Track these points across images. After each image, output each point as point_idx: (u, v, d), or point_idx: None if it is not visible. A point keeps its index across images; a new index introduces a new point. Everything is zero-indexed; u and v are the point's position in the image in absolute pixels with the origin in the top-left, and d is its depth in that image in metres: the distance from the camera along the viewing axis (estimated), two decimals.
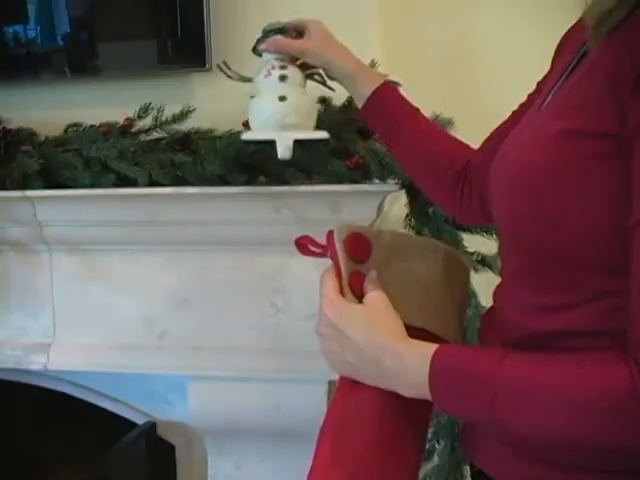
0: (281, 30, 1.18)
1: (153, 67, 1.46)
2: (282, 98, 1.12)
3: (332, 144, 1.29)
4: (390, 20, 1.48)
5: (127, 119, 1.39)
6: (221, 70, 1.22)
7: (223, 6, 1.41)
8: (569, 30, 0.85)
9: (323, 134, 1.17)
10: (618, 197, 0.61)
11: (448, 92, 1.51)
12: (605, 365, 0.60)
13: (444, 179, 1.01)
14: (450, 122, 1.49)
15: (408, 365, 0.70)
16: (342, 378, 0.79)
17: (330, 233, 0.80)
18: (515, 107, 0.93)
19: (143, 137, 1.39)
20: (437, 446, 1.40)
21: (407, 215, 1.37)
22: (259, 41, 1.19)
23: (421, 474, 1.43)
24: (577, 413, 0.61)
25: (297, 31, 1.17)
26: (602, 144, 0.62)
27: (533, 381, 0.63)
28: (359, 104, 1.08)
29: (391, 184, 1.31)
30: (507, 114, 0.94)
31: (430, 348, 0.69)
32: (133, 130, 1.40)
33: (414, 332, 0.75)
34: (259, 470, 1.52)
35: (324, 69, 1.13)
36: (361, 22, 1.40)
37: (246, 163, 1.29)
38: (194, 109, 1.38)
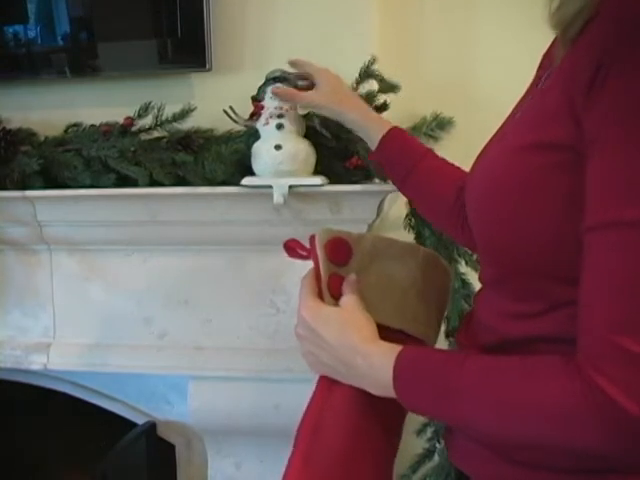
0: (281, 78, 1.24)
1: (153, 67, 1.46)
2: (278, 147, 1.23)
3: (332, 144, 1.30)
4: (390, 18, 1.48)
5: (127, 118, 1.39)
6: (227, 115, 1.29)
7: (223, 6, 1.42)
8: (551, 44, 0.84)
9: (317, 180, 1.26)
10: (579, 209, 0.61)
11: (448, 91, 1.51)
12: (554, 373, 0.61)
13: (451, 213, 1.01)
14: (450, 121, 1.49)
15: (375, 365, 0.72)
16: (321, 377, 0.81)
17: (313, 237, 0.84)
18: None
19: (143, 136, 1.40)
20: (437, 445, 1.40)
21: (407, 215, 1.37)
22: (261, 89, 1.27)
23: (421, 474, 1.43)
24: (528, 419, 0.62)
25: (303, 79, 1.22)
26: (563, 156, 0.62)
27: (489, 386, 0.64)
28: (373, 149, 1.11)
29: (391, 184, 1.31)
30: (508, 113, 0.94)
31: (396, 349, 0.72)
32: (133, 129, 1.40)
33: (393, 334, 0.78)
34: (259, 470, 1.52)
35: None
36: (361, 20, 1.40)
37: (248, 165, 1.29)
38: (195, 108, 1.39)
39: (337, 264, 0.82)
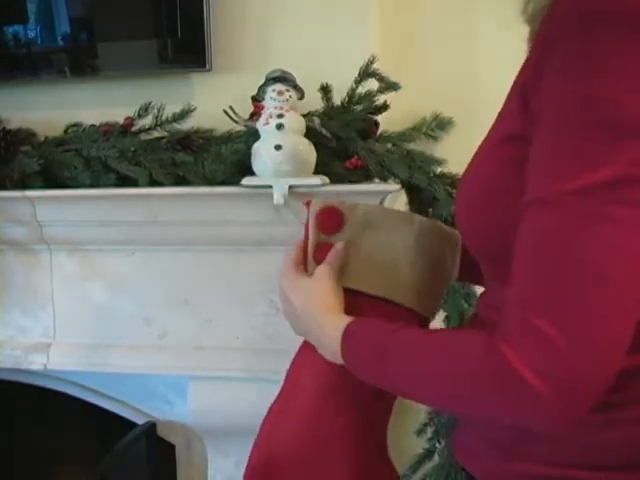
0: (281, 78, 1.24)
1: (153, 67, 1.46)
2: (278, 147, 1.23)
3: (332, 144, 1.30)
4: (390, 18, 1.48)
5: (127, 118, 1.39)
6: (227, 115, 1.30)
7: (223, 6, 1.42)
8: None
9: (317, 180, 1.25)
10: None
11: (448, 91, 1.51)
12: (473, 343, 0.63)
13: None
14: (450, 121, 1.49)
15: (329, 335, 0.77)
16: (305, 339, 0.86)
17: (309, 203, 0.87)
18: None
19: (143, 136, 1.40)
20: (437, 445, 1.40)
21: None
22: (261, 89, 1.27)
23: (421, 474, 1.43)
24: (439, 384, 0.65)
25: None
26: (523, 147, 0.62)
27: (415, 354, 0.68)
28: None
29: (391, 184, 1.31)
30: None
31: (347, 321, 0.76)
32: (133, 129, 1.40)
33: (375, 301, 0.82)
34: None
35: None
36: (361, 20, 1.40)
37: (248, 165, 1.29)
38: (194, 108, 1.39)
39: (328, 233, 0.84)
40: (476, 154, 0.74)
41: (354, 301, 0.81)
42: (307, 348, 0.84)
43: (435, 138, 1.48)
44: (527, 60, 0.64)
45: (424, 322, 0.86)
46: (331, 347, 0.76)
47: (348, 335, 0.74)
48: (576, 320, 0.56)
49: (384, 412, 0.88)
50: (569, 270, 0.56)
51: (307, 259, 0.84)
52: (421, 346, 0.68)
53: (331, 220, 0.84)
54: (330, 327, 0.77)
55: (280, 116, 1.24)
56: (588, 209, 0.55)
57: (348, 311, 0.79)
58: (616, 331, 0.56)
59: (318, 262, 0.83)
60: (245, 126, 1.31)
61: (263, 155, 1.25)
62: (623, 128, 0.55)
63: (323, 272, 0.82)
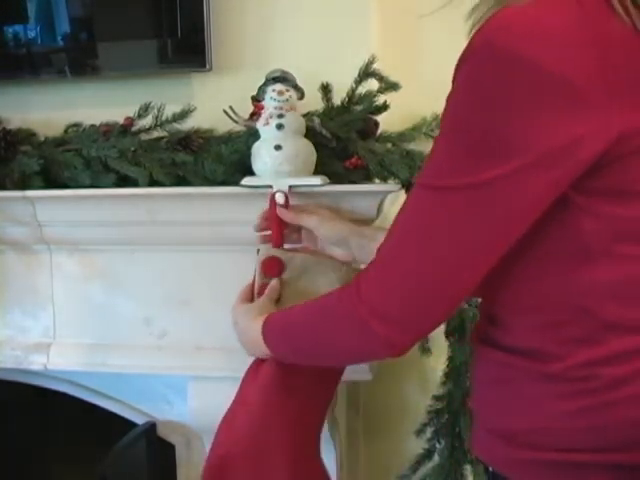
0: (281, 78, 1.24)
1: (153, 67, 1.46)
2: (278, 147, 1.24)
3: (332, 144, 1.30)
4: (390, 18, 1.48)
5: (127, 118, 1.39)
6: (227, 115, 1.29)
7: (223, 6, 1.42)
8: None
9: (317, 180, 1.26)
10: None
11: (448, 91, 1.51)
12: (339, 293, 0.83)
13: None
14: None
15: (254, 337, 1.00)
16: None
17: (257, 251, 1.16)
18: None
19: (143, 136, 1.40)
20: (437, 446, 1.40)
21: None
22: (261, 89, 1.27)
23: (421, 474, 1.43)
24: (314, 329, 0.87)
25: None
26: None
27: (299, 318, 0.92)
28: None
29: (391, 184, 1.31)
30: None
31: (262, 321, 0.98)
32: (133, 129, 1.40)
33: None
34: None
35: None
36: (361, 19, 1.40)
37: (248, 165, 1.29)
38: (194, 108, 1.39)
39: (270, 276, 1.12)
40: None
41: None
42: (254, 363, 1.08)
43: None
44: None
45: None
46: (258, 344, 0.98)
47: (264, 326, 0.97)
48: (407, 279, 0.72)
49: (324, 395, 1.10)
50: (411, 242, 0.73)
51: (254, 296, 1.12)
52: (305, 311, 0.91)
53: (273, 267, 1.12)
54: (255, 331, 0.99)
55: (280, 116, 1.24)
56: (443, 202, 0.70)
57: None
58: (435, 294, 0.72)
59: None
60: (245, 126, 1.31)
61: (263, 155, 1.25)
62: (494, 151, 0.67)
63: (258, 302, 1.10)
